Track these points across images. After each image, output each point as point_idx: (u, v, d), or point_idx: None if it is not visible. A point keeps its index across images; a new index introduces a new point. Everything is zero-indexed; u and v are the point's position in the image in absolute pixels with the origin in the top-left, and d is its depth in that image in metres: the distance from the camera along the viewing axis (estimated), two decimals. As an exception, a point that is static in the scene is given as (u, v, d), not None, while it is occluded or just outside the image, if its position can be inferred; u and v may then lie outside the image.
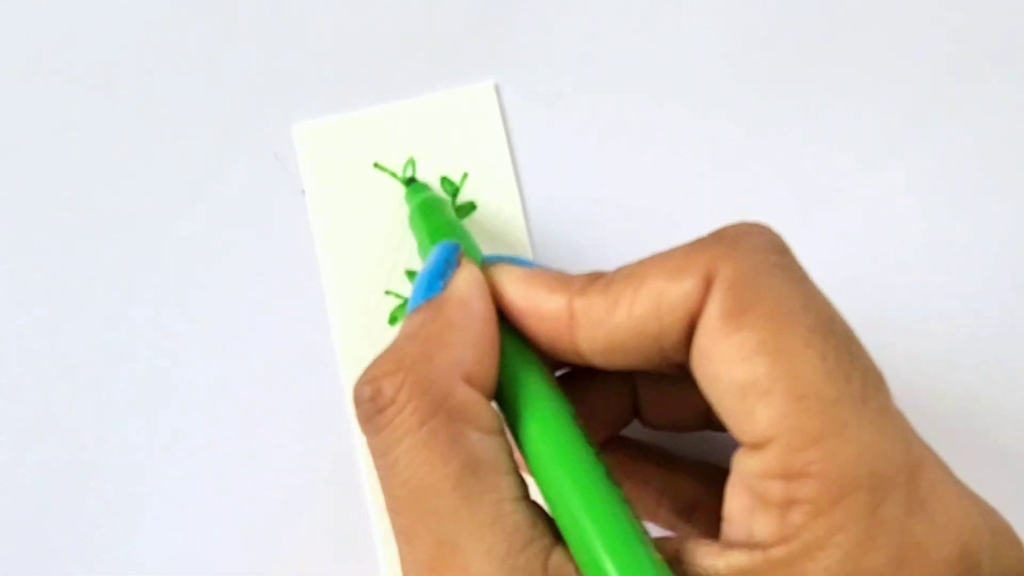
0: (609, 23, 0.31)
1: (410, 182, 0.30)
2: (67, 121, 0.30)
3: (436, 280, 0.21)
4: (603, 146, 0.31)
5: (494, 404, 0.20)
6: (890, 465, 0.17)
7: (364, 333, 0.29)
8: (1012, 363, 0.29)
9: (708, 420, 0.24)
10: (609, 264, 0.21)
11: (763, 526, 0.17)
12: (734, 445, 0.18)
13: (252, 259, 0.30)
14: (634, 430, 0.26)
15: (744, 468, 0.18)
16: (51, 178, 0.30)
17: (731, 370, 0.17)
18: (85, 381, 0.29)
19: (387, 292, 0.30)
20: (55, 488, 0.28)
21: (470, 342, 0.20)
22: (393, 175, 0.30)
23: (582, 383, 0.24)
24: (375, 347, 0.29)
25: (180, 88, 0.30)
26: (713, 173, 0.30)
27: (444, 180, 0.30)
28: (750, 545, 0.17)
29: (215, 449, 0.29)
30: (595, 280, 0.20)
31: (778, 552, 0.17)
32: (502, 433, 0.20)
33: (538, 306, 0.20)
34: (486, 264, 0.22)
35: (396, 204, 0.30)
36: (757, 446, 0.17)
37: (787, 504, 0.17)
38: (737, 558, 0.17)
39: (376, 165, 0.30)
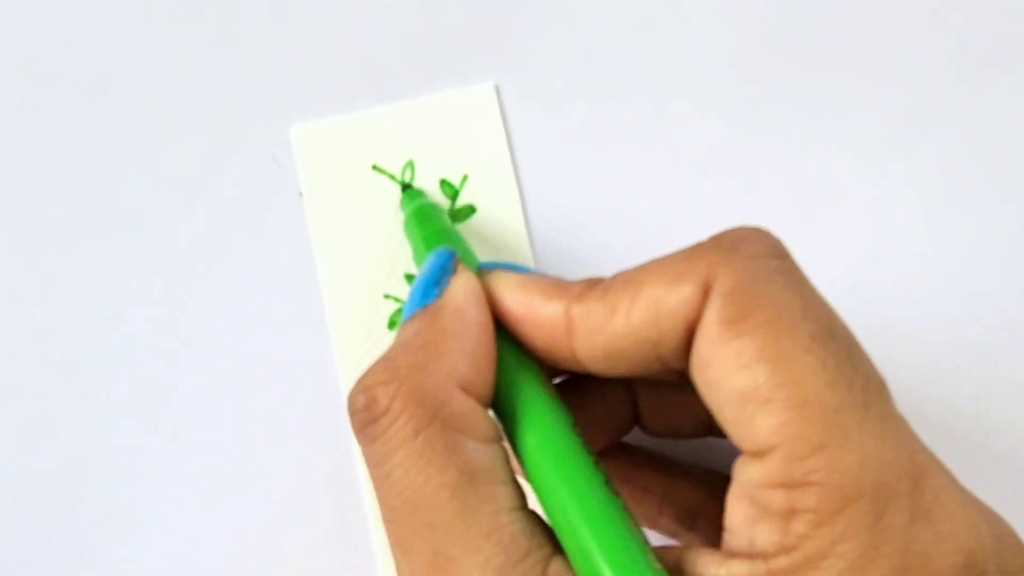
0: (610, 24, 0.31)
1: (405, 188, 0.30)
2: (64, 122, 0.30)
3: (432, 287, 0.21)
4: (604, 148, 0.31)
5: (491, 413, 0.20)
6: (893, 473, 0.17)
7: (363, 337, 0.29)
8: (1016, 367, 0.29)
9: (709, 427, 0.24)
10: (609, 267, 0.21)
11: (765, 536, 0.17)
12: (736, 452, 0.18)
13: (249, 262, 0.30)
14: (635, 437, 0.26)
15: (745, 477, 0.18)
16: (48, 179, 0.30)
17: (731, 377, 0.17)
18: (82, 384, 0.29)
19: (386, 296, 0.30)
20: (52, 491, 0.29)
21: (466, 350, 0.20)
22: (392, 177, 0.30)
23: (581, 390, 0.24)
24: (374, 351, 0.29)
25: (176, 89, 0.31)
26: (714, 175, 0.30)
27: (443, 183, 0.30)
28: (752, 555, 0.17)
29: (212, 453, 0.29)
30: (593, 286, 0.20)
31: (780, 562, 0.17)
32: (499, 442, 0.20)
33: (535, 313, 0.20)
34: (482, 271, 0.22)
35: (395, 207, 0.30)
36: (758, 455, 0.17)
37: (789, 513, 0.17)
38: (739, 568, 0.17)
39: (375, 167, 0.30)
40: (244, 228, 0.30)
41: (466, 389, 0.19)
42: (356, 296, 0.30)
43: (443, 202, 0.30)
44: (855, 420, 0.17)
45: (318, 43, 0.31)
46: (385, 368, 0.19)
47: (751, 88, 0.31)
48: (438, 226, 0.26)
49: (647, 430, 0.25)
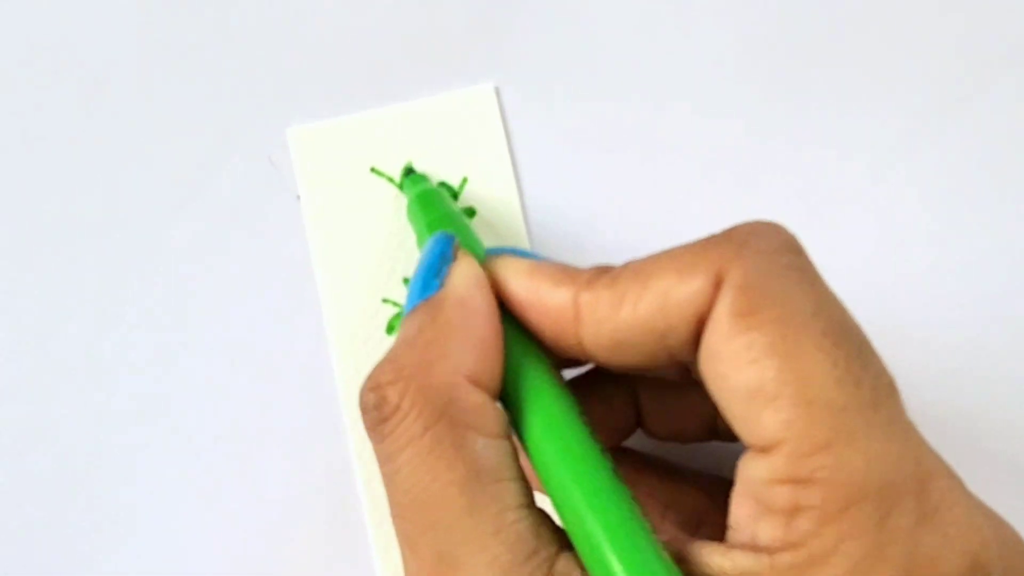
0: (610, 24, 0.31)
1: (408, 172, 0.30)
2: (61, 123, 0.30)
3: (432, 278, 0.21)
4: (605, 149, 0.31)
5: (499, 404, 0.20)
6: (900, 474, 0.17)
7: (361, 342, 0.29)
8: (1022, 369, 0.30)
9: (713, 430, 0.24)
10: (612, 268, 0.21)
11: (768, 532, 0.17)
12: (740, 455, 0.19)
13: (246, 266, 0.30)
14: (638, 442, 0.26)
15: (750, 473, 0.18)
16: (45, 181, 0.30)
17: (739, 372, 0.17)
18: (77, 386, 0.29)
19: (384, 300, 0.30)
20: (49, 493, 0.28)
21: (472, 342, 0.20)
22: (390, 180, 0.30)
23: (584, 391, 0.24)
24: (372, 355, 0.29)
25: (172, 90, 0.31)
26: (716, 178, 0.31)
27: (442, 185, 0.30)
28: (756, 548, 0.17)
29: (209, 457, 0.29)
30: (602, 274, 0.20)
31: (784, 558, 0.17)
32: (508, 437, 0.20)
33: (542, 299, 0.20)
34: (489, 256, 0.22)
35: (393, 210, 0.30)
36: (763, 450, 0.17)
37: (793, 510, 0.17)
38: (743, 559, 0.17)
39: (373, 170, 0.30)
40: (241, 231, 0.30)
41: (475, 381, 0.19)
42: (354, 300, 0.30)
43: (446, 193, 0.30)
44: (863, 420, 0.17)
45: (316, 43, 0.31)
46: (392, 366, 0.19)
47: (752, 89, 0.31)
48: (442, 210, 0.26)
49: (650, 432, 0.25)
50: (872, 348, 0.18)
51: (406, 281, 0.30)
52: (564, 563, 0.18)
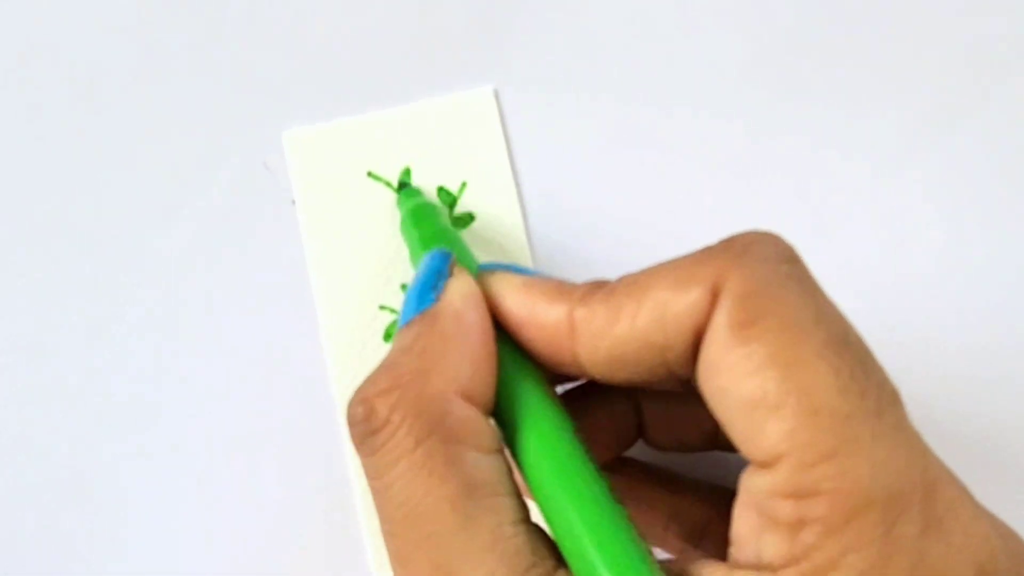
0: (610, 26, 0.32)
1: (402, 187, 0.30)
2: (55, 127, 0.30)
3: (428, 292, 0.21)
4: (605, 153, 0.31)
5: (491, 420, 0.20)
6: (905, 483, 0.17)
7: (357, 349, 0.29)
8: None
9: (716, 440, 0.24)
10: (611, 274, 0.21)
11: (772, 547, 0.17)
12: (743, 465, 0.19)
13: (240, 271, 0.30)
14: (640, 452, 0.26)
15: (752, 487, 0.18)
16: (37, 186, 0.30)
17: (740, 384, 0.17)
18: (72, 394, 0.29)
19: (381, 307, 0.30)
20: (44, 501, 0.29)
21: (466, 357, 0.20)
22: (387, 184, 0.30)
23: (585, 401, 0.24)
24: (368, 363, 0.29)
25: (167, 93, 0.31)
26: (719, 181, 0.31)
27: (441, 190, 0.30)
28: (759, 567, 0.17)
29: (204, 465, 0.29)
30: (597, 289, 0.20)
31: (788, 573, 0.17)
32: (501, 452, 0.20)
33: (537, 315, 0.20)
34: (483, 272, 0.22)
35: (391, 215, 0.30)
36: (766, 463, 0.17)
37: (798, 524, 0.17)
38: None
39: (370, 174, 0.30)
40: (235, 237, 0.30)
41: (467, 396, 0.19)
42: (351, 307, 0.30)
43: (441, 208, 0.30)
44: (867, 429, 0.17)
45: (312, 45, 0.31)
46: (383, 378, 0.19)
47: (754, 90, 0.31)
48: (435, 226, 0.26)
49: (652, 443, 0.25)
50: (874, 357, 0.18)
51: (403, 287, 0.30)
52: None
